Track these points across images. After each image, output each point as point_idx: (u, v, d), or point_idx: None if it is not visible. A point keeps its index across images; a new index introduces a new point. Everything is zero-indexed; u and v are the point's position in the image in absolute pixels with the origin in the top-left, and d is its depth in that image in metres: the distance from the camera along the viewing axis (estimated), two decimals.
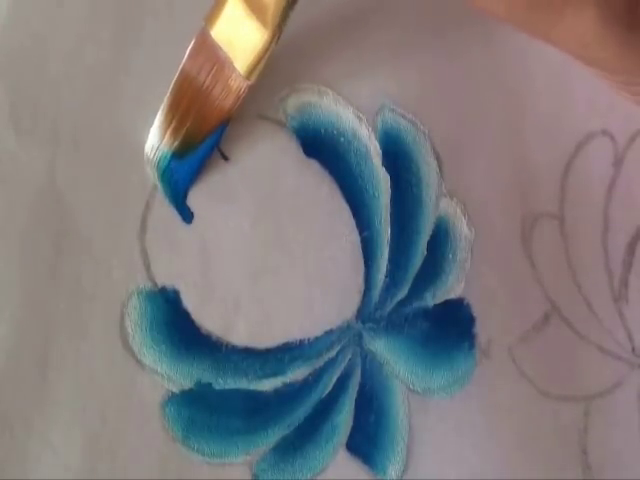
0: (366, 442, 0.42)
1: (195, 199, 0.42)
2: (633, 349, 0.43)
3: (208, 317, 0.42)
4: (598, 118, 0.44)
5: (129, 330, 0.41)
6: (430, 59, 0.44)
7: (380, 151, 0.44)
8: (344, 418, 0.42)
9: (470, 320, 0.43)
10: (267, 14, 0.38)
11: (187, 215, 0.42)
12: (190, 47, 0.41)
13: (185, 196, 0.42)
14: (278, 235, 0.43)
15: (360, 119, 0.44)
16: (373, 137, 0.44)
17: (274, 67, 0.41)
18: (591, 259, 0.44)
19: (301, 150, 0.43)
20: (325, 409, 0.42)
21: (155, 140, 0.42)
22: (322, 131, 0.43)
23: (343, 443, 0.42)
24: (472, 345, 0.43)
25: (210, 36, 0.40)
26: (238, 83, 0.40)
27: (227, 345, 0.42)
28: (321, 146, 0.43)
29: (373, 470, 0.42)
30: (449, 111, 0.44)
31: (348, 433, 0.42)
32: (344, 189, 0.43)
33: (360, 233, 0.43)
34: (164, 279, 0.42)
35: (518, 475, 0.42)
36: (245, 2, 0.39)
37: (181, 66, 0.41)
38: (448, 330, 0.43)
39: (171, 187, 0.42)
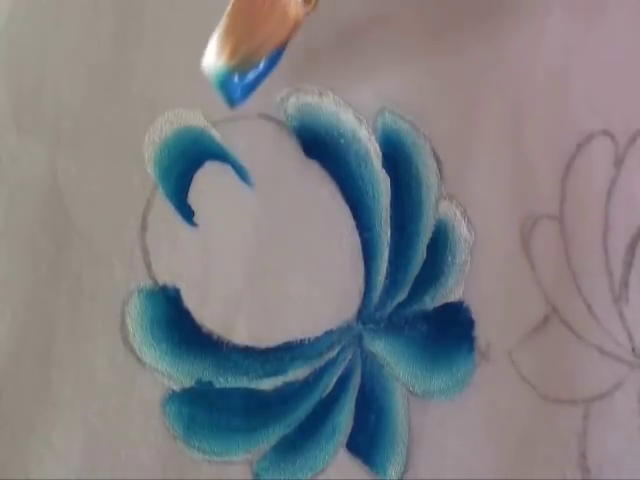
0: (366, 442, 0.42)
1: (196, 198, 0.42)
2: (633, 349, 0.43)
3: (209, 316, 0.42)
4: (598, 118, 0.44)
5: (130, 328, 0.41)
6: (430, 61, 0.45)
7: (380, 153, 0.44)
8: (344, 418, 0.42)
9: (469, 323, 0.43)
10: None
11: (188, 214, 0.42)
12: None
13: (186, 195, 0.42)
14: (279, 235, 0.43)
15: (360, 121, 0.44)
16: (373, 139, 0.44)
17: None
18: (591, 260, 0.44)
19: (301, 151, 0.43)
20: (325, 409, 0.42)
21: (212, 57, 0.41)
22: (322, 132, 0.44)
23: (343, 443, 0.42)
24: (471, 348, 0.43)
25: None
26: (296, 10, 0.40)
27: (228, 344, 0.42)
28: (321, 147, 0.43)
29: (373, 470, 0.42)
30: (449, 113, 0.44)
31: (348, 433, 0.42)
32: (344, 190, 0.43)
33: (360, 234, 0.43)
34: (165, 277, 0.42)
35: (517, 477, 0.42)
36: None
37: None
38: (447, 333, 0.43)
39: (228, 98, 0.41)
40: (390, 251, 0.43)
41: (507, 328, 0.43)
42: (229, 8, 0.40)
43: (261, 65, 0.40)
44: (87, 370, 0.41)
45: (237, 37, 0.40)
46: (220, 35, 0.41)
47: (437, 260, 0.44)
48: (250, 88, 0.41)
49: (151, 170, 0.42)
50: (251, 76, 0.41)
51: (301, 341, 0.42)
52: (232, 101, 0.41)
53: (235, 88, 0.41)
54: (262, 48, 0.40)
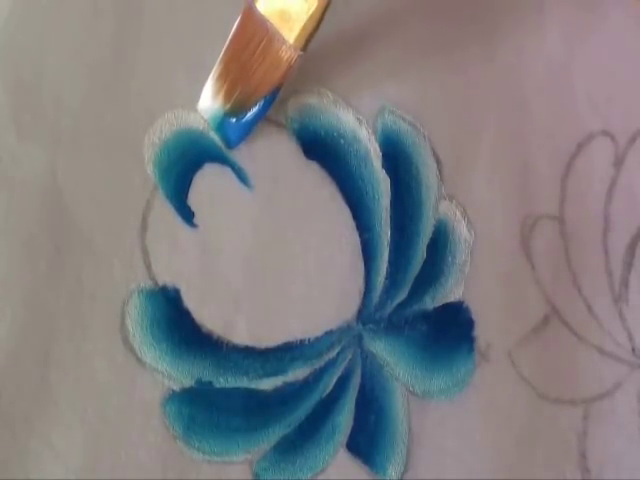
0: (366, 442, 0.42)
1: (196, 199, 0.42)
2: (633, 349, 0.43)
3: (209, 316, 0.42)
4: (598, 118, 0.44)
5: (130, 329, 0.41)
6: (430, 62, 0.45)
7: (380, 153, 0.44)
8: (344, 418, 0.42)
9: (469, 323, 0.43)
10: None
11: (188, 215, 0.42)
12: (237, 23, 0.41)
13: (186, 196, 0.42)
14: (279, 235, 0.43)
15: (360, 121, 0.44)
16: (373, 139, 0.44)
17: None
18: (591, 260, 0.44)
19: (301, 152, 0.43)
20: (325, 409, 0.42)
21: (207, 101, 0.42)
22: (322, 133, 0.44)
23: (343, 443, 0.42)
24: (471, 348, 0.43)
25: (257, 10, 0.40)
26: (289, 54, 0.40)
27: (228, 344, 0.42)
28: (321, 148, 0.44)
29: (373, 470, 0.41)
30: (449, 113, 0.44)
31: (348, 433, 0.42)
32: (344, 191, 0.43)
33: (360, 235, 0.43)
34: (165, 278, 0.42)
35: (516, 477, 0.42)
36: None
37: (229, 40, 0.41)
38: (447, 333, 0.43)
39: (224, 140, 0.43)
40: (390, 251, 0.43)
41: (507, 328, 0.43)
42: (222, 53, 0.41)
43: (257, 107, 0.41)
44: (87, 370, 0.41)
45: (231, 81, 0.41)
46: (214, 79, 0.41)
47: (437, 260, 0.44)
48: (246, 129, 0.42)
49: (151, 171, 0.42)
50: (247, 117, 0.41)
51: (301, 341, 0.42)
52: (229, 142, 0.42)
53: (232, 130, 0.42)
54: (256, 92, 0.41)
